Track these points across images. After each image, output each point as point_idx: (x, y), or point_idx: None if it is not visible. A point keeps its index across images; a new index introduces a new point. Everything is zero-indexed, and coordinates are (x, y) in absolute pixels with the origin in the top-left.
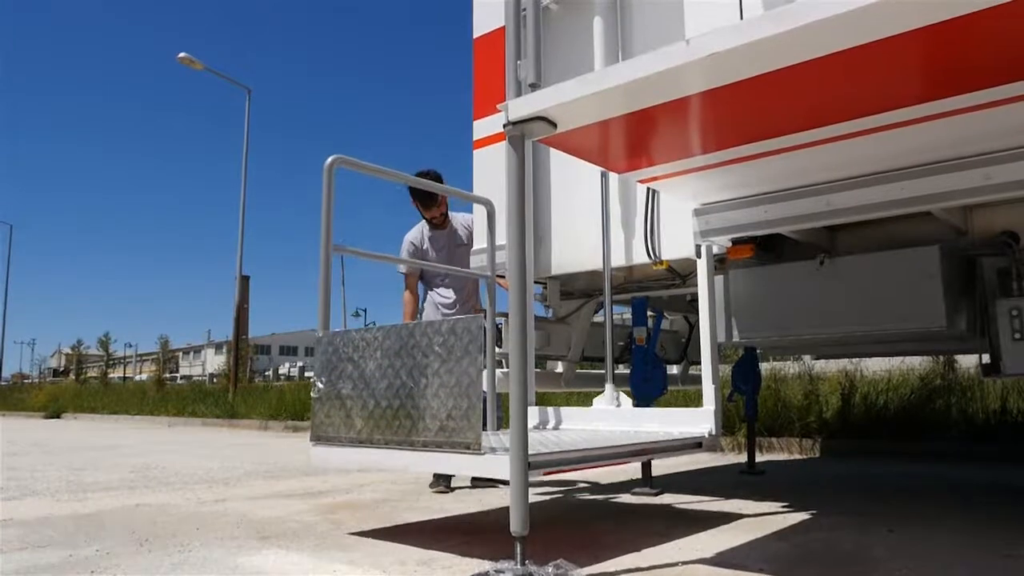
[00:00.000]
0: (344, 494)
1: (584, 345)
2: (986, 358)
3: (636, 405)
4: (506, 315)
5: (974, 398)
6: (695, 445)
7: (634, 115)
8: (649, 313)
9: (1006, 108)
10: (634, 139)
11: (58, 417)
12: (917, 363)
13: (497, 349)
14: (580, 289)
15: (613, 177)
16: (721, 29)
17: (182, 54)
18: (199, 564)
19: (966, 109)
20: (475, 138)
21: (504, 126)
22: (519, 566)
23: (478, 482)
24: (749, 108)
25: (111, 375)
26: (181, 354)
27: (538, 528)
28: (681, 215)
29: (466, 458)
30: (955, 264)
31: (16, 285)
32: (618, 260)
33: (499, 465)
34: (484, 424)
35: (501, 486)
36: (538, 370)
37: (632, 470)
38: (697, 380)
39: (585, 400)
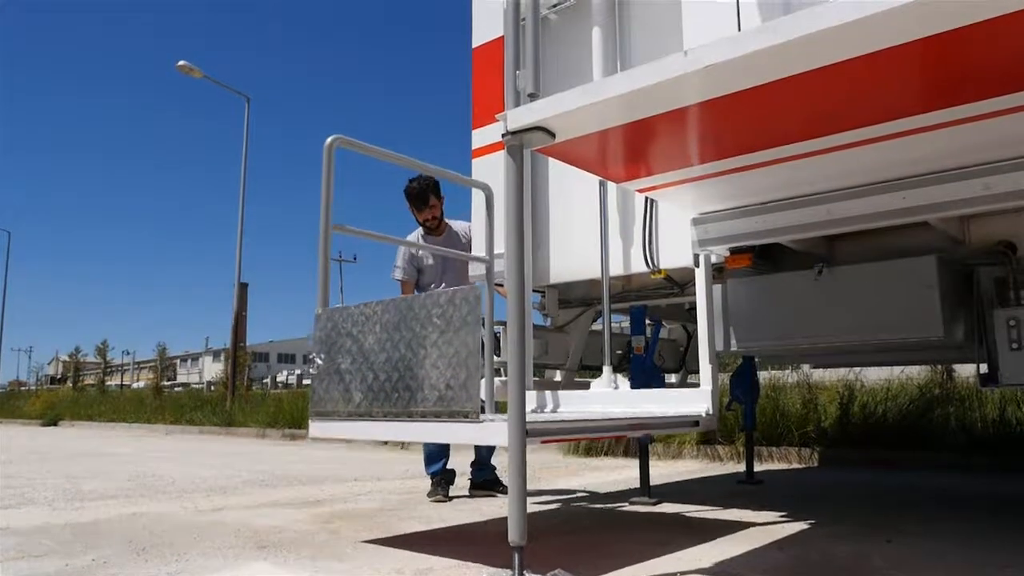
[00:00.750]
0: (342, 503)
1: (582, 354)
2: (984, 368)
3: None
4: (504, 324)
5: (972, 408)
6: (692, 423)
7: (632, 125)
8: (647, 322)
9: (1006, 118)
10: (632, 149)
11: (55, 425)
12: (916, 372)
13: (495, 358)
14: (578, 298)
15: (611, 186)
16: (719, 41)
17: (181, 62)
18: (196, 573)
19: (966, 120)
20: (474, 147)
21: (503, 136)
22: None
23: (476, 491)
24: (747, 118)
25: (109, 382)
26: (179, 362)
27: (537, 537)
28: (679, 224)
29: (464, 427)
30: (953, 274)
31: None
32: (616, 269)
33: (497, 432)
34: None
35: (499, 494)
36: (536, 379)
37: (630, 479)
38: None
39: None
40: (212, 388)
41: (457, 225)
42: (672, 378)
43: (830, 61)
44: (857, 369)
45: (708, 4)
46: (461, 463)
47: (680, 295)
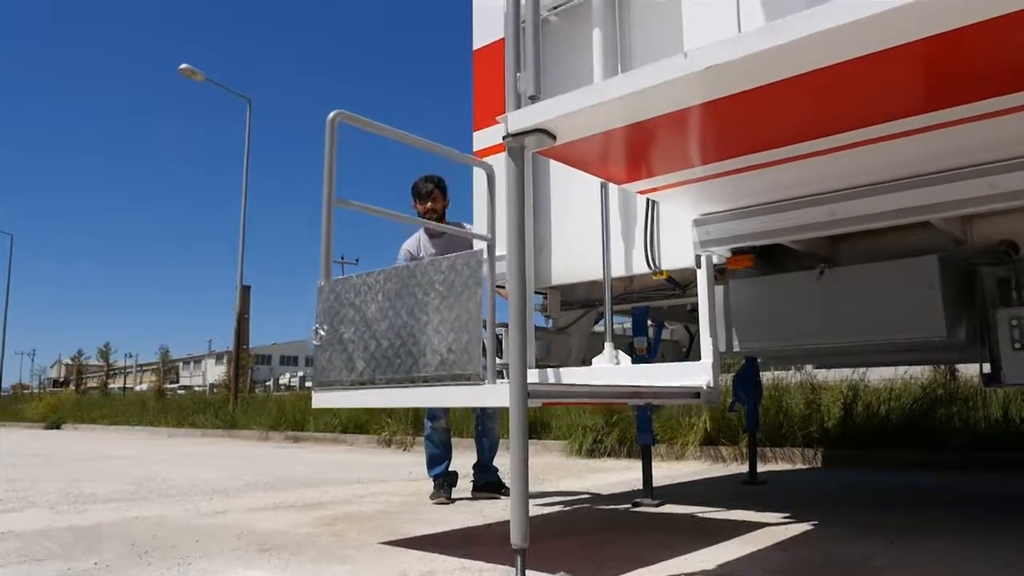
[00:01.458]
0: (345, 505)
1: (584, 355)
2: (987, 367)
3: (638, 415)
4: (506, 325)
5: (976, 407)
6: (693, 395)
7: (633, 127)
8: (649, 323)
9: (1008, 118)
10: (633, 151)
11: (58, 428)
12: (919, 372)
13: (497, 360)
14: (580, 299)
15: (613, 187)
16: (719, 42)
17: (183, 65)
18: None
19: (967, 119)
20: (475, 149)
21: (504, 138)
22: None
23: (478, 493)
24: (748, 120)
25: (111, 385)
26: (181, 364)
27: (540, 539)
28: (681, 225)
29: (466, 390)
30: (955, 274)
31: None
32: (618, 270)
33: (498, 394)
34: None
35: (502, 496)
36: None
37: (634, 480)
38: None
39: (586, 409)
40: (215, 390)
41: (458, 229)
42: None
43: (831, 62)
44: (861, 369)
45: (708, 5)
46: (464, 465)
47: (682, 296)
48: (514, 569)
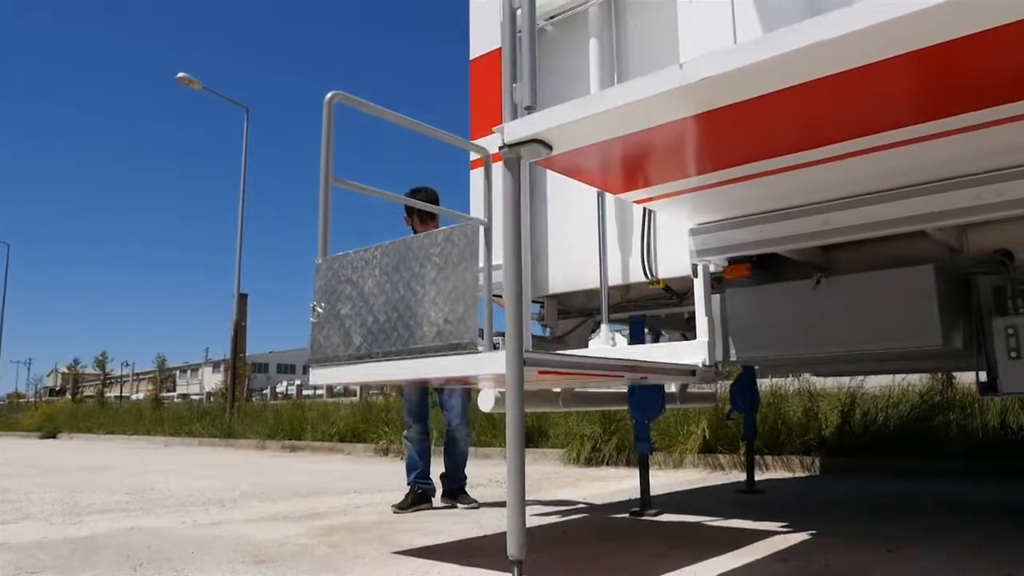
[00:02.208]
0: (342, 515)
1: None
2: (983, 376)
3: (636, 425)
4: (503, 335)
5: (974, 415)
6: (689, 372)
7: (629, 137)
8: (646, 331)
9: (999, 128)
10: (630, 160)
11: (54, 437)
12: (917, 379)
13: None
14: (577, 308)
15: (610, 197)
16: (714, 53)
17: (181, 74)
18: None
19: (960, 130)
20: (472, 158)
21: (500, 148)
22: None
23: (445, 499)
24: (744, 130)
25: (108, 394)
26: (178, 372)
27: (538, 550)
28: (678, 234)
29: (463, 359)
30: (951, 283)
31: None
32: (615, 279)
33: (495, 361)
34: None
35: (459, 506)
36: (535, 389)
37: (631, 489)
38: (695, 399)
39: (584, 417)
40: (211, 399)
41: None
42: (672, 387)
43: (825, 73)
44: (859, 377)
45: (705, 16)
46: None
47: (679, 305)
48: None
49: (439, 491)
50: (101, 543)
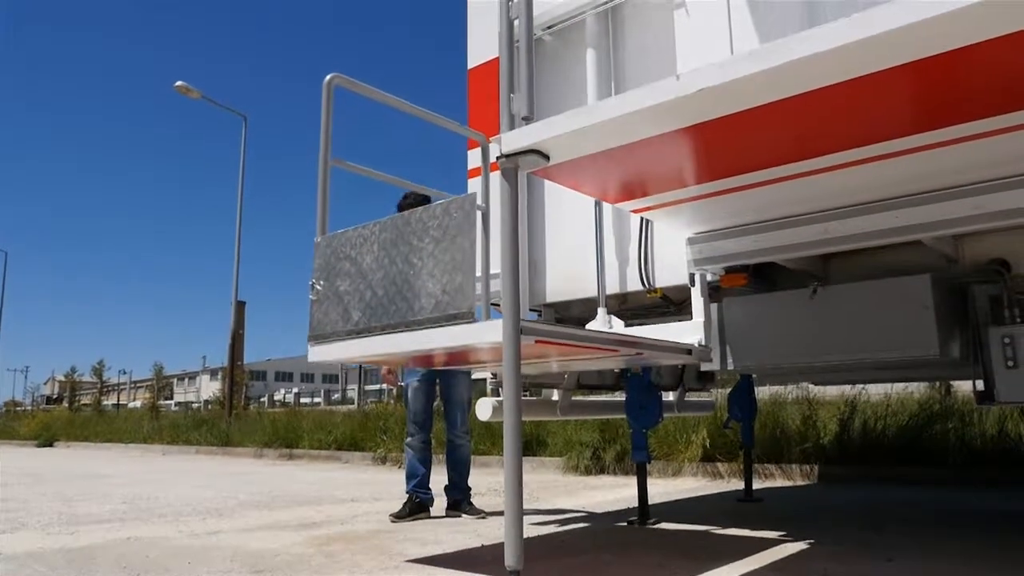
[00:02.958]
0: (339, 525)
1: (580, 373)
2: (980, 384)
3: (634, 434)
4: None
5: (972, 423)
6: (686, 351)
7: (626, 148)
8: None
9: (996, 139)
10: (627, 170)
11: (50, 446)
12: (915, 388)
13: (491, 378)
14: (575, 317)
15: (607, 205)
16: (710, 65)
17: (179, 83)
18: None
19: (956, 140)
20: (470, 167)
21: (497, 158)
22: None
23: (450, 511)
24: (740, 140)
25: (105, 402)
26: (176, 380)
27: (535, 560)
28: (675, 243)
29: (461, 328)
30: (947, 292)
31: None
32: (612, 288)
33: (493, 330)
34: None
35: (464, 515)
36: (534, 398)
37: (629, 498)
38: (693, 407)
39: (583, 426)
40: (209, 407)
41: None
42: (670, 396)
43: (821, 85)
44: (858, 385)
45: (701, 26)
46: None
47: (676, 315)
48: None
49: (443, 502)
50: (98, 553)
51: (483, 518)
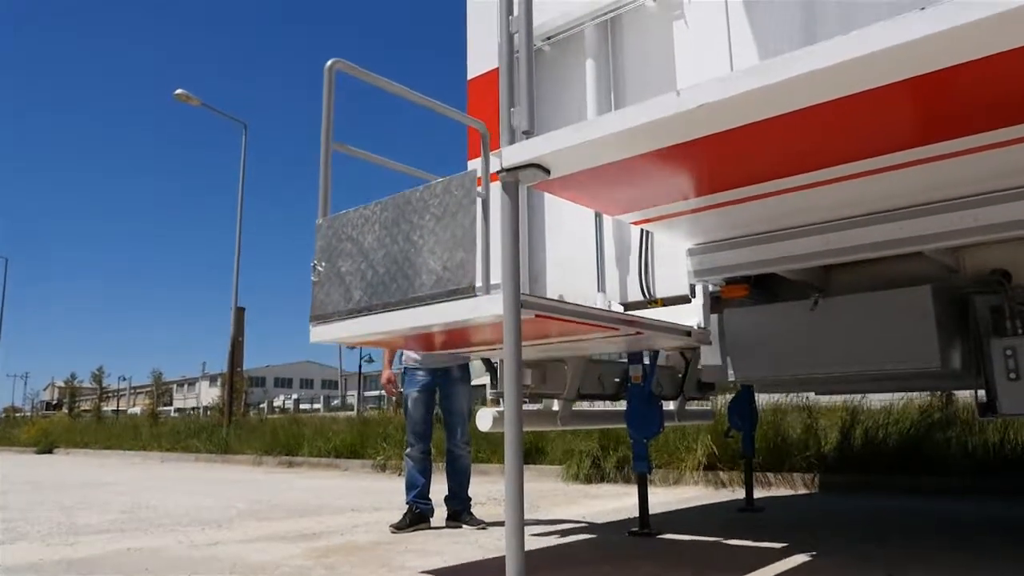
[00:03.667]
0: (339, 535)
1: (580, 383)
2: (983, 396)
3: (634, 444)
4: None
5: (974, 432)
6: (685, 333)
7: (626, 162)
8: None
9: (995, 152)
10: (627, 184)
11: (50, 452)
12: (916, 395)
13: (491, 390)
14: None
15: (607, 217)
16: (710, 81)
17: (179, 91)
18: None
19: (956, 153)
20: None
21: (498, 172)
22: None
23: (450, 522)
24: (741, 154)
25: (104, 408)
26: (175, 387)
27: (535, 571)
28: (675, 255)
29: (461, 303)
30: (948, 303)
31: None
32: (613, 299)
33: (493, 303)
34: None
35: (465, 526)
36: (535, 407)
37: (630, 507)
38: (694, 416)
39: (582, 433)
40: (208, 413)
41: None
42: (670, 405)
43: (820, 100)
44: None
45: (701, 39)
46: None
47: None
48: None
49: (444, 513)
50: (98, 564)
51: (483, 529)
